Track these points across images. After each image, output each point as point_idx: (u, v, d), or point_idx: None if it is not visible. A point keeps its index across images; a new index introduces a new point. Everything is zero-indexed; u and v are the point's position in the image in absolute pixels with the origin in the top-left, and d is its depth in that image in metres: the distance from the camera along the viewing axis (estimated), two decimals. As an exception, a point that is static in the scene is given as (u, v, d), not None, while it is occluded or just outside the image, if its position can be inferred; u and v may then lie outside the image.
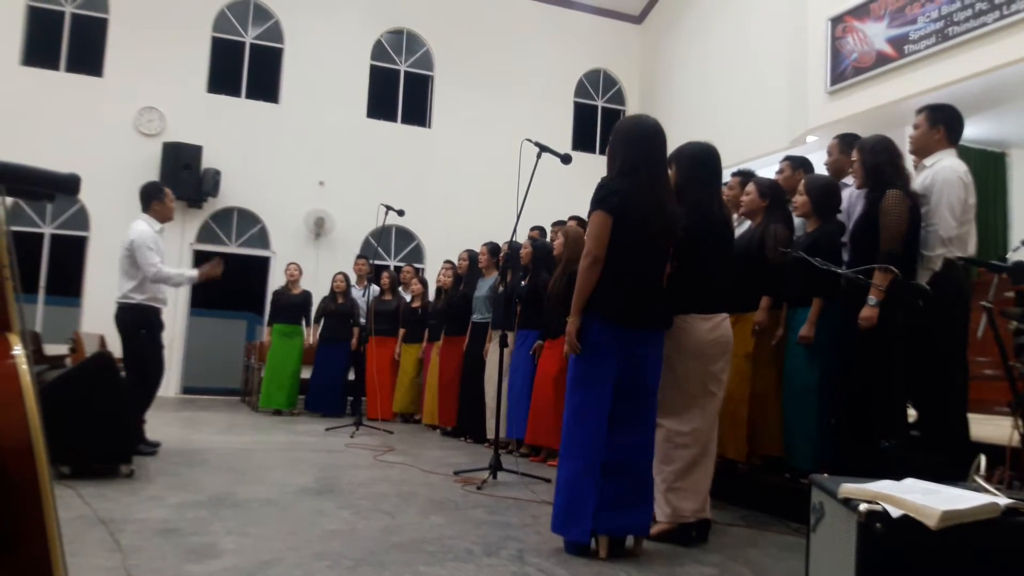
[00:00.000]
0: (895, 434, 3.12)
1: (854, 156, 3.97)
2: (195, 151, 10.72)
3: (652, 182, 3.08)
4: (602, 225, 2.99)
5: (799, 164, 4.81)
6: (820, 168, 4.76)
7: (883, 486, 1.94)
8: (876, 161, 3.76)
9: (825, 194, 4.08)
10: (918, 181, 3.86)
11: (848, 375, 3.78)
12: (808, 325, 3.92)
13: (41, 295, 10.56)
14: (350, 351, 8.82)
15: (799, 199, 4.15)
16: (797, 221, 4.49)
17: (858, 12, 8.25)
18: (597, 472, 2.91)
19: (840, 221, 4.09)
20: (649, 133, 3.16)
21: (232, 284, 12.94)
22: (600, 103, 13.59)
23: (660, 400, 3.17)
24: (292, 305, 8.86)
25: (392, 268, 10.91)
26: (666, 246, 3.14)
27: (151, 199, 5.30)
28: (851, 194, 4.20)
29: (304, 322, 8.93)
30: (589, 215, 3.07)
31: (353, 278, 9.32)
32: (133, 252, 5.05)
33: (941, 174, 3.74)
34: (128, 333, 5.10)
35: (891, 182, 3.67)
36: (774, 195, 4.41)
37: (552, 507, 3.07)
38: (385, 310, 8.76)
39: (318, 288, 9.31)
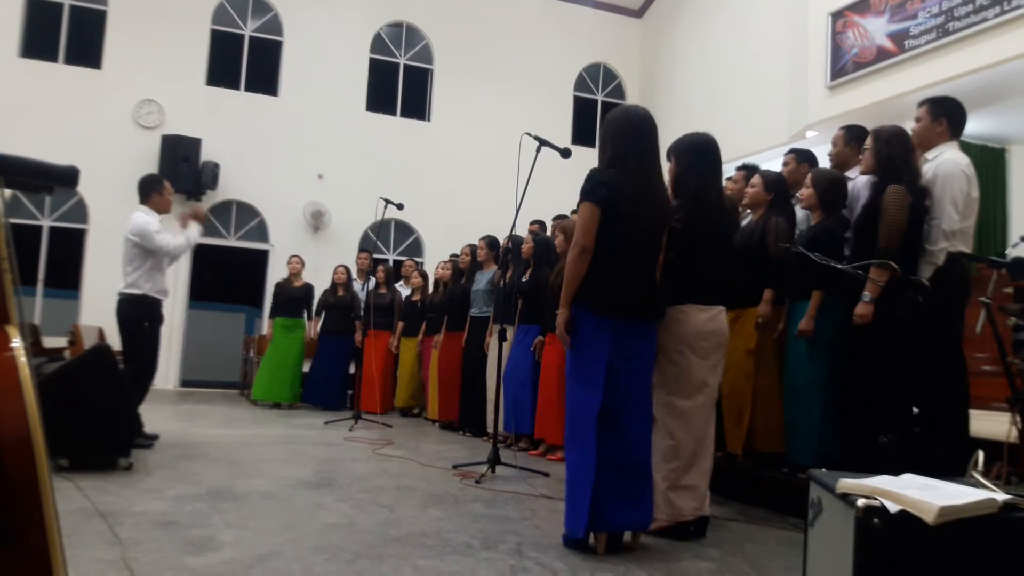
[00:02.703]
0: (895, 429, 3.12)
1: (867, 143, 3.91)
2: (194, 144, 10.71)
3: (642, 173, 3.07)
4: (590, 216, 2.98)
5: (804, 157, 4.76)
6: (823, 161, 4.74)
7: (881, 481, 1.94)
8: (890, 152, 3.70)
9: (831, 188, 4.04)
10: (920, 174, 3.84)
11: (851, 371, 3.77)
12: (807, 318, 3.90)
13: (40, 288, 10.56)
14: (351, 344, 8.80)
15: (805, 191, 4.13)
16: (801, 214, 4.48)
17: (859, 7, 8.23)
18: (592, 465, 2.89)
19: (843, 216, 4.06)
20: (639, 123, 3.14)
21: (231, 277, 12.99)
22: (600, 97, 13.57)
23: (658, 393, 3.17)
24: (293, 298, 8.84)
25: (391, 262, 10.91)
26: (657, 237, 3.12)
27: (151, 191, 5.30)
28: (854, 186, 4.17)
29: (306, 315, 8.93)
30: (578, 206, 3.06)
31: (354, 271, 9.31)
32: (141, 240, 5.07)
33: (943, 167, 3.71)
34: (130, 324, 5.08)
35: (899, 176, 3.63)
36: (779, 189, 4.39)
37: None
38: (380, 303, 8.74)
39: (317, 281, 9.29)
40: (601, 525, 2.92)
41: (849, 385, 3.79)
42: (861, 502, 1.82)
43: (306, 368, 8.94)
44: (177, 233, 5.36)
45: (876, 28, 7.99)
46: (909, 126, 4.04)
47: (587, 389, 2.97)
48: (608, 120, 3.21)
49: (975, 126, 8.12)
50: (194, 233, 5.39)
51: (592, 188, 3.01)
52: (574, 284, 3.01)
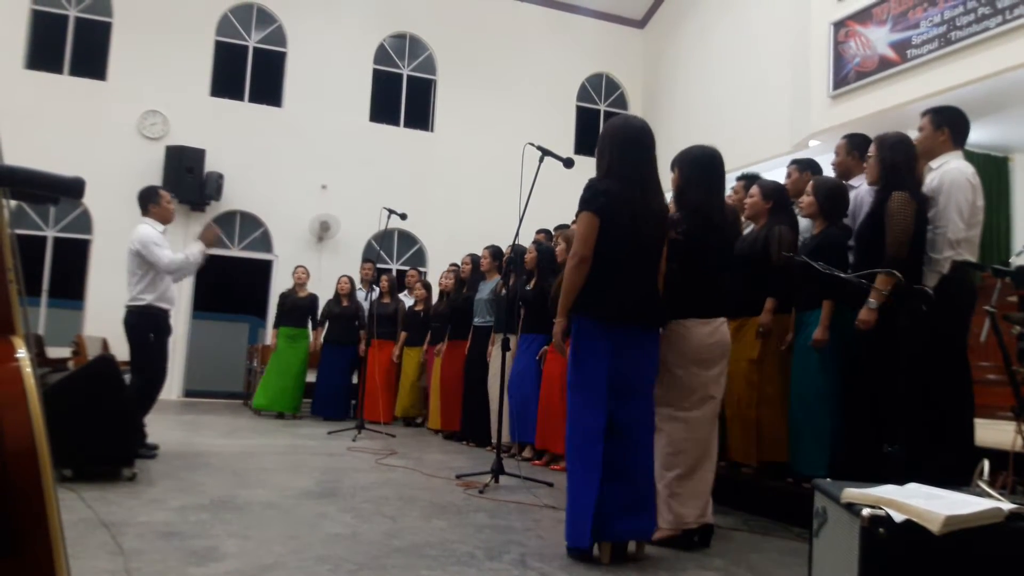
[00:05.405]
0: (901, 438, 3.11)
1: (871, 151, 3.89)
2: (198, 154, 10.74)
3: (640, 182, 3.08)
4: (589, 226, 2.99)
5: (806, 166, 4.74)
6: (826, 170, 4.73)
7: (886, 491, 1.93)
8: (895, 159, 3.69)
9: (832, 196, 4.03)
10: (924, 183, 3.83)
11: (857, 379, 3.75)
12: (821, 328, 3.85)
13: (44, 298, 10.58)
14: (355, 354, 8.80)
15: (805, 199, 4.11)
16: (804, 223, 4.47)
17: (861, 16, 8.26)
18: (596, 476, 2.88)
19: (846, 225, 4.06)
20: (637, 133, 3.16)
21: (235, 287, 13.01)
22: (602, 107, 13.60)
23: (660, 404, 3.17)
24: (298, 308, 8.87)
25: (394, 272, 10.92)
26: (656, 246, 3.12)
27: (148, 202, 5.35)
28: (857, 194, 4.17)
29: (310, 325, 8.93)
30: (576, 216, 3.07)
31: (358, 281, 9.31)
32: (142, 253, 5.09)
33: (948, 176, 3.70)
34: (135, 336, 5.10)
35: (902, 184, 3.62)
36: (778, 197, 4.38)
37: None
38: (384, 313, 8.75)
39: (321, 291, 9.30)
40: (605, 535, 2.91)
41: (856, 394, 3.77)
42: (866, 511, 1.82)
43: (310, 378, 8.94)
44: (182, 249, 5.37)
45: (878, 37, 8.01)
46: (912, 135, 4.04)
47: (590, 398, 2.96)
48: (607, 129, 3.22)
49: (978, 135, 8.13)
50: (195, 251, 5.30)
51: (591, 197, 3.02)
52: (572, 294, 3.01)
